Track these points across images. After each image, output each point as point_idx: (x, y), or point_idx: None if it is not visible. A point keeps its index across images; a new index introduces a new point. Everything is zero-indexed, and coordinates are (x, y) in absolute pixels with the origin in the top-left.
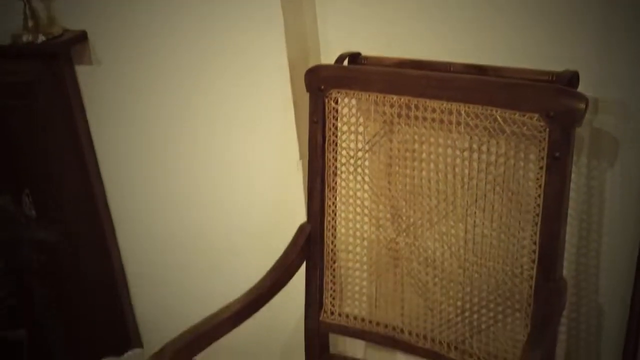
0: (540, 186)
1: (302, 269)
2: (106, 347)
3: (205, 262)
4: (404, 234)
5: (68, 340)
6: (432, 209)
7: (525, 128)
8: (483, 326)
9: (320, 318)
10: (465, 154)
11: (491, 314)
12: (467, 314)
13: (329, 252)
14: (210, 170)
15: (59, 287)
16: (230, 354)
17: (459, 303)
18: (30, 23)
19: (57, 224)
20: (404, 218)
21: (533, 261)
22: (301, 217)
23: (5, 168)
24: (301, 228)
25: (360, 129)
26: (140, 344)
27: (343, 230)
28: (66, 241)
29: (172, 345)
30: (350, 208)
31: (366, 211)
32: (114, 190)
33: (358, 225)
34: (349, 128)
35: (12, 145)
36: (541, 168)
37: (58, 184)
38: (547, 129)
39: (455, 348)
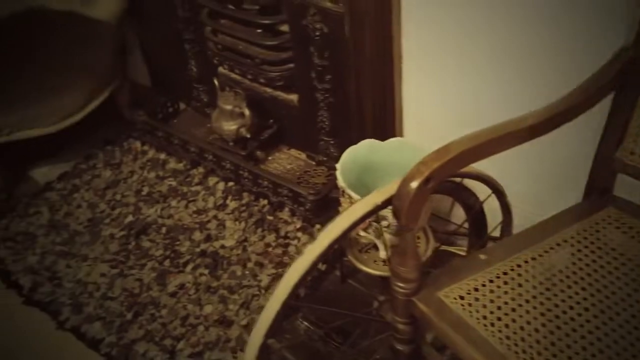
0: None
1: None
2: (368, 130)
3: (492, 69)
4: None
5: (334, 113)
6: None
7: None
8: None
9: (616, 154)
10: None
11: None
12: None
13: None
14: None
15: (336, 60)
16: (503, 167)
17: None
18: None
19: None
20: None
21: None
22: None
23: None
24: (622, 50)
25: None
26: (401, 135)
27: None
28: (351, 14)
29: (457, 145)
30: None
31: None
32: None
33: None
34: None
35: None
36: None
37: None
38: None
39: None
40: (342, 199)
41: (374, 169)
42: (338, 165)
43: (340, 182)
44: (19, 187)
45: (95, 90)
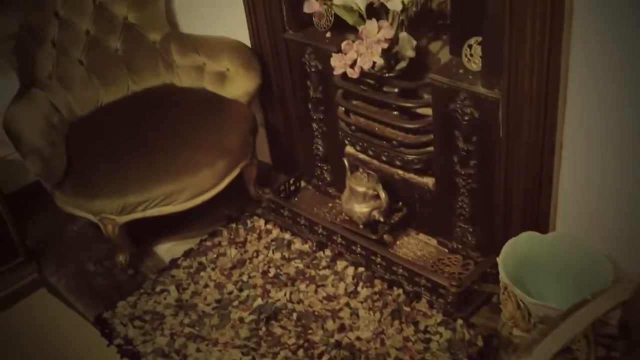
0: None
1: None
2: (516, 219)
3: None
4: None
5: (476, 199)
6: None
7: None
8: None
9: None
10: None
11: None
12: None
13: None
14: None
15: (483, 146)
16: None
17: None
18: None
19: (500, 80)
20: None
21: None
22: None
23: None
24: None
25: None
26: (552, 227)
27: None
28: (508, 100)
29: None
30: None
31: None
32: (580, 58)
33: None
34: None
35: None
36: None
37: (510, 36)
38: None
39: None
40: (502, 297)
41: (534, 264)
42: (500, 260)
43: (504, 278)
44: (144, 263)
45: (228, 168)
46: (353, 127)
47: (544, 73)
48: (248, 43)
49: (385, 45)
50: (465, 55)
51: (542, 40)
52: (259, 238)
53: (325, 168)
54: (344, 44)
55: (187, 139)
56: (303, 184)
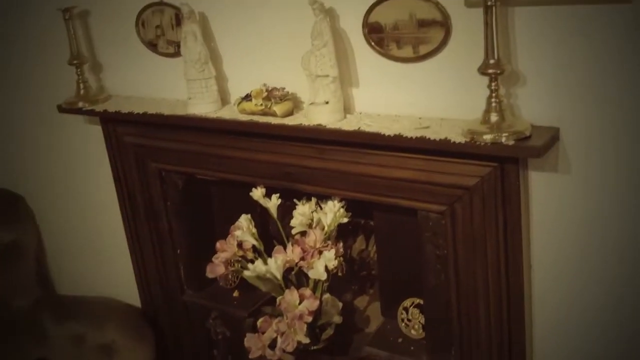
0: None
1: None
2: None
3: None
4: None
5: None
6: None
7: None
8: None
9: None
10: None
11: None
12: None
13: None
14: None
15: None
16: None
17: None
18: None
19: (451, 356)
20: None
21: None
22: None
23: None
24: None
25: None
26: None
27: None
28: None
29: None
30: None
31: None
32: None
33: None
34: None
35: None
36: None
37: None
38: None
39: None
40: None
41: None
42: None
43: None
44: None
45: None
46: None
47: (505, 352)
48: (139, 304)
49: (310, 319)
50: (402, 320)
51: (499, 319)
52: None
53: None
54: (260, 322)
55: None
56: None
